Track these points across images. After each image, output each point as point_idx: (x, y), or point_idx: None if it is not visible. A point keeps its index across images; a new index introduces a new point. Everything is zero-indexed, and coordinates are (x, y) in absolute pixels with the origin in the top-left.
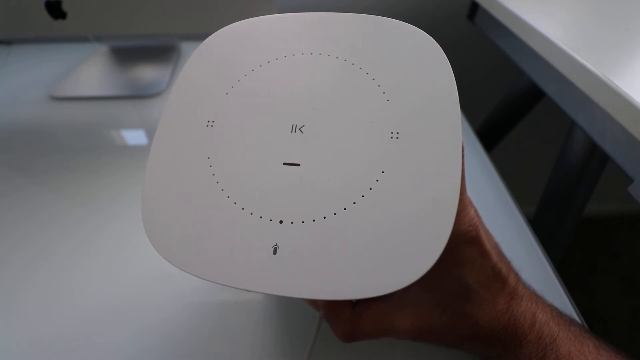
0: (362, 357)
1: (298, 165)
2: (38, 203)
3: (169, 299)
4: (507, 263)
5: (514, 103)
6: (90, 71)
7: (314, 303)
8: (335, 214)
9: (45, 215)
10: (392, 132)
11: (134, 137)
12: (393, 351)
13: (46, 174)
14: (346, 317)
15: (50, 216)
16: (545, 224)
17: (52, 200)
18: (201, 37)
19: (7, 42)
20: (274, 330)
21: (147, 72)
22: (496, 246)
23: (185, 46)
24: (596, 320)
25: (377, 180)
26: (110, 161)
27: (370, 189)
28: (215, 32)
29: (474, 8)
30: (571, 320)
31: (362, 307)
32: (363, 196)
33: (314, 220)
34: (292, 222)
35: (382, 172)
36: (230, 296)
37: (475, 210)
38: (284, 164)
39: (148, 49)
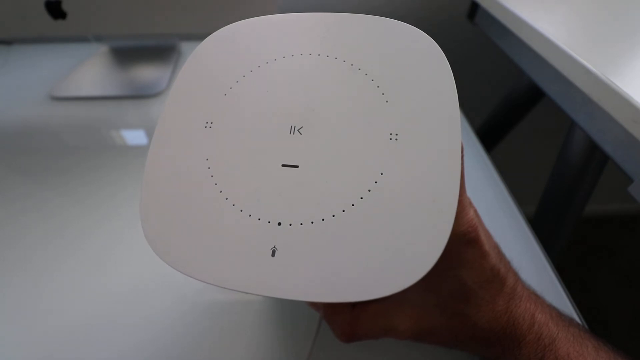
0: (362, 357)
1: (297, 166)
2: (37, 203)
3: (167, 300)
4: (507, 263)
5: (514, 103)
6: (90, 71)
7: (313, 304)
8: (333, 216)
9: (45, 215)
10: (391, 134)
11: (134, 137)
12: (393, 351)
13: (46, 174)
14: (345, 318)
15: (50, 216)
16: (545, 224)
17: (52, 200)
18: (201, 37)
19: (7, 42)
20: (274, 331)
21: (147, 72)
22: (496, 246)
23: (185, 46)
24: (596, 320)
25: (376, 182)
26: (110, 161)
27: (369, 190)
28: (214, 33)
29: (474, 8)
30: (570, 321)
31: (361, 307)
32: (362, 198)
33: (312, 223)
34: (290, 224)
35: (381, 173)
36: (230, 297)
37: (475, 211)
38: (283, 165)
39: (148, 49)
